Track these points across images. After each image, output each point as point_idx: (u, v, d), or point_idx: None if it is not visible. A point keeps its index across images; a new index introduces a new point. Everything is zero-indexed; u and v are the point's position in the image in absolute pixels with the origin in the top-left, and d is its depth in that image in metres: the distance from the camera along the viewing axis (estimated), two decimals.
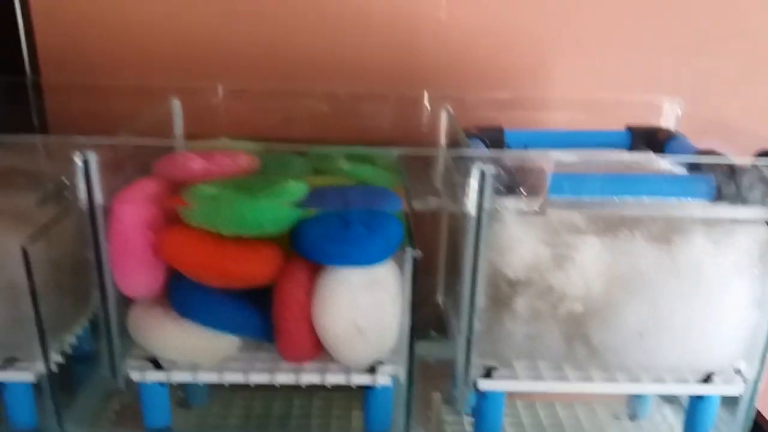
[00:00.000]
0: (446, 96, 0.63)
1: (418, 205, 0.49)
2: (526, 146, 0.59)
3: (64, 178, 0.44)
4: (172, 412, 0.54)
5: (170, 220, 0.49)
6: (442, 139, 0.62)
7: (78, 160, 0.44)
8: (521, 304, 0.47)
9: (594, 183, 0.46)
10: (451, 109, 0.61)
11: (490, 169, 0.43)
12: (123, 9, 0.68)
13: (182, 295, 0.49)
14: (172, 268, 0.49)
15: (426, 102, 0.67)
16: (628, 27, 0.69)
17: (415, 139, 0.66)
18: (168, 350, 0.50)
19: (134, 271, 0.48)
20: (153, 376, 0.50)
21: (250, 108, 0.67)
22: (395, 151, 0.55)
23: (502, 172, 0.44)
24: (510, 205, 0.45)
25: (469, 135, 0.57)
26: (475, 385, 0.50)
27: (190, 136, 0.64)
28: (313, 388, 0.50)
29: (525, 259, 0.46)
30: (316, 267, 0.48)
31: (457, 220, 0.54)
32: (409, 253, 0.46)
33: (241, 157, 0.54)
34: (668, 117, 0.63)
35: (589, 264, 0.46)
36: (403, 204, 0.49)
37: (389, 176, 0.55)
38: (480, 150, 0.45)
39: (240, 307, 0.49)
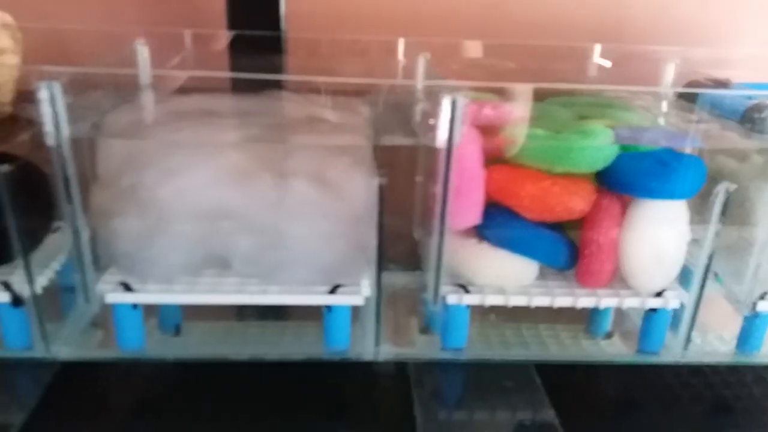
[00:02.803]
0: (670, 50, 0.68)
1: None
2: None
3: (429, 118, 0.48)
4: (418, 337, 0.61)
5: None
6: (665, 88, 0.68)
7: (447, 102, 0.48)
8: None
9: None
10: (679, 62, 0.67)
11: None
12: None
13: (501, 225, 0.54)
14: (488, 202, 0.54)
15: (597, 56, 0.73)
16: None
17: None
18: (482, 275, 0.55)
19: (471, 205, 0.53)
20: (468, 299, 0.55)
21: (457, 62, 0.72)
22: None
23: None
24: None
25: (705, 86, 0.63)
26: (754, 306, 0.56)
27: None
28: (538, 313, 0.56)
29: None
30: (624, 201, 0.54)
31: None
32: (723, 187, 0.52)
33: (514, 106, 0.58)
34: None
35: None
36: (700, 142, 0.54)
37: (648, 118, 0.60)
38: None
39: (550, 236, 0.55)
